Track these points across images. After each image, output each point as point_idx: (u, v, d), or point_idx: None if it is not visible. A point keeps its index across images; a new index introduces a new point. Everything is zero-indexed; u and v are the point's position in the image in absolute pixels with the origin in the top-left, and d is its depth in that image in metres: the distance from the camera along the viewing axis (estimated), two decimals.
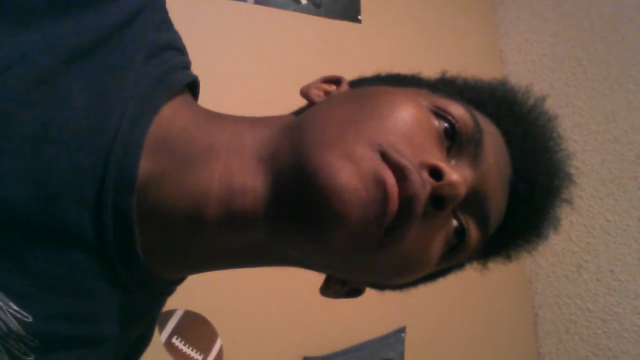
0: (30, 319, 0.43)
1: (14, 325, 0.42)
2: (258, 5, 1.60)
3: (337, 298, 0.62)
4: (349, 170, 0.44)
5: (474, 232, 0.53)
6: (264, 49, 1.62)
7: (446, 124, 0.51)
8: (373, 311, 1.76)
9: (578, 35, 2.19)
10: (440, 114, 0.51)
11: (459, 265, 0.62)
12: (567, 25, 2.23)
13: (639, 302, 2.08)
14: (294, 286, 1.58)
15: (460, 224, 0.52)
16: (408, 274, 0.52)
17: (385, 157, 0.45)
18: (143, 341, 0.58)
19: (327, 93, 0.58)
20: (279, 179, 0.47)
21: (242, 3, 1.56)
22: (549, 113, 0.62)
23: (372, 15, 1.88)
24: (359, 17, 1.85)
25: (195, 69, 0.59)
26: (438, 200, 0.46)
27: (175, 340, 1.34)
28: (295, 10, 1.68)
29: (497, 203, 0.55)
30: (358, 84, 0.61)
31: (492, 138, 0.55)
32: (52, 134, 0.42)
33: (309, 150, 0.46)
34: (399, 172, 0.44)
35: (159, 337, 1.32)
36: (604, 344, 2.17)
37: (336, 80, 0.60)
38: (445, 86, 0.60)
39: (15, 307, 0.42)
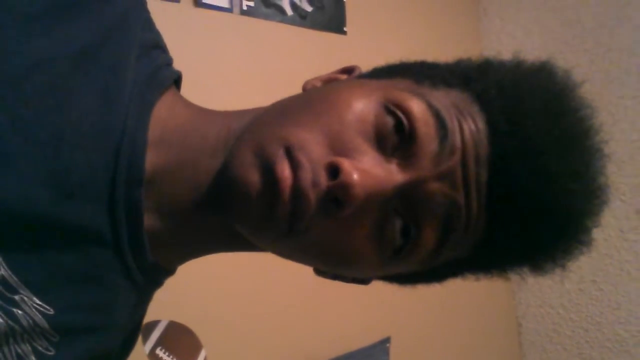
0: (52, 312, 0.44)
1: (39, 319, 0.44)
2: (244, 16, 1.60)
3: (344, 282, 0.61)
4: (251, 163, 0.46)
5: (428, 234, 0.49)
6: (249, 59, 1.62)
7: (394, 120, 0.49)
8: (358, 321, 1.76)
9: (561, 48, 2.22)
10: (391, 109, 0.49)
11: (451, 273, 0.58)
12: (550, 37, 2.26)
13: (621, 312, 2.10)
14: (278, 297, 1.57)
15: (406, 224, 0.49)
16: (336, 267, 0.54)
17: (288, 153, 0.46)
18: (135, 332, 0.59)
19: (327, 82, 0.59)
20: (219, 168, 0.51)
21: (227, 14, 1.57)
22: (560, 110, 0.51)
23: (357, 26, 1.89)
24: (345, 29, 1.86)
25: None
26: (336, 200, 0.45)
27: (159, 351, 1.33)
28: (281, 21, 1.69)
29: (460, 205, 0.49)
30: (363, 75, 0.60)
31: (467, 135, 0.49)
32: (68, 136, 0.44)
33: (239, 141, 0.50)
34: (294, 169, 0.45)
35: (143, 348, 1.31)
36: (587, 353, 2.18)
37: (350, 70, 0.60)
38: (444, 74, 0.55)
39: (38, 301, 0.44)
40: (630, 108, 2.06)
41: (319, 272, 0.59)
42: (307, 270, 0.59)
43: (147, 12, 0.56)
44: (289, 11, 1.71)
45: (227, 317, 1.47)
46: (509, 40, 2.37)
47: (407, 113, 0.49)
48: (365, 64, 0.61)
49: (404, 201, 0.49)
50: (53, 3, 0.45)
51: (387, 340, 1.84)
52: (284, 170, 0.45)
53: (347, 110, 0.49)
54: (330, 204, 0.46)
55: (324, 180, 0.45)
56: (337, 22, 1.84)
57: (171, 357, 1.35)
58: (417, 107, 0.49)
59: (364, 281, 0.61)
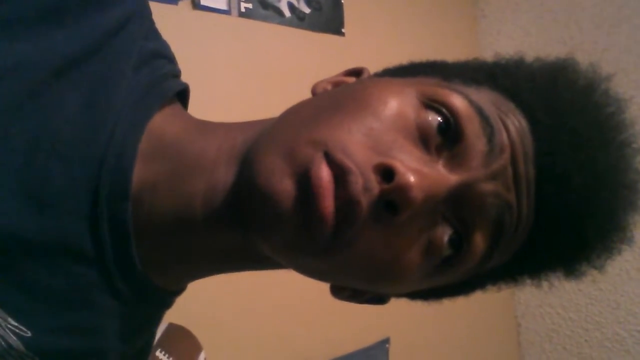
0: (29, 334, 0.42)
1: (14, 341, 0.41)
2: (242, 18, 1.61)
3: (360, 303, 0.56)
4: (283, 171, 0.42)
5: (479, 240, 0.46)
6: (248, 61, 1.63)
7: (439, 118, 0.45)
8: (357, 322, 1.76)
9: (558, 49, 2.21)
10: (433, 106, 0.45)
11: (481, 283, 0.54)
12: (547, 38, 2.26)
13: (620, 311, 2.10)
14: (277, 299, 1.57)
15: (457, 232, 0.46)
16: (379, 281, 0.48)
17: (328, 157, 0.41)
18: (142, 357, 0.56)
19: (336, 85, 0.54)
20: (236, 179, 0.46)
21: (226, 16, 1.57)
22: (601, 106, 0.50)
23: (355, 28, 1.90)
24: (343, 30, 1.87)
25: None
26: (391, 205, 0.41)
27: (159, 353, 1.33)
28: (279, 23, 1.69)
29: (513, 205, 0.46)
30: (377, 75, 0.57)
31: (513, 132, 0.47)
32: (45, 145, 0.41)
33: (259, 148, 0.45)
34: (341, 174, 0.41)
35: None
36: (587, 353, 2.18)
37: (357, 72, 0.56)
38: (470, 72, 0.52)
39: (13, 323, 0.41)
40: (628, 109, 2.06)
41: (336, 290, 0.55)
42: None
43: (151, 21, 0.54)
44: (287, 13, 1.71)
45: (226, 318, 1.47)
46: (507, 42, 2.37)
47: (451, 110, 0.45)
48: (364, 65, 0.61)
49: (453, 205, 0.45)
50: (42, 9, 0.42)
51: (386, 340, 1.84)
52: (323, 173, 0.40)
53: (384, 107, 0.44)
54: (382, 210, 0.41)
55: (375, 184, 0.41)
56: (335, 23, 1.85)
57: (171, 359, 1.35)
58: (459, 103, 0.45)
59: (383, 300, 0.57)
